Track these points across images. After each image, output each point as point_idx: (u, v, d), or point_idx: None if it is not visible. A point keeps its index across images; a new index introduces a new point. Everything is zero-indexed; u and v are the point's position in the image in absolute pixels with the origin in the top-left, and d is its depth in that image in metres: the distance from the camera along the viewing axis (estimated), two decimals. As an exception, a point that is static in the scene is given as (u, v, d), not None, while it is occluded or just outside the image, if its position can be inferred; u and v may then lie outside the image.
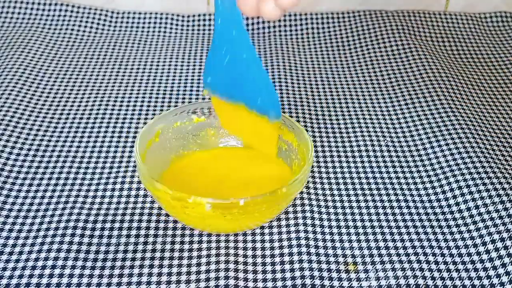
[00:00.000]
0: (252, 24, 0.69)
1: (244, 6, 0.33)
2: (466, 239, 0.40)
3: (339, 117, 0.53)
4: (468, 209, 0.42)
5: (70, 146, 0.49)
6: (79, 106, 0.54)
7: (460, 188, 0.43)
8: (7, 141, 0.48)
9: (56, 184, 0.44)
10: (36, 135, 0.50)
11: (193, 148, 0.46)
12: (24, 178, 0.45)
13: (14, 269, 0.37)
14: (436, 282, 0.36)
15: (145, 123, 0.49)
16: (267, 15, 0.32)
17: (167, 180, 0.42)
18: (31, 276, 0.36)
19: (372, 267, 0.38)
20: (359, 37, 0.67)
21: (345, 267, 0.38)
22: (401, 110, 0.54)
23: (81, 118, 0.52)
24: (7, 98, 0.53)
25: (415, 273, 0.37)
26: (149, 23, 0.69)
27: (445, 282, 0.36)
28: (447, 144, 0.48)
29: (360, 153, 0.49)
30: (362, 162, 0.48)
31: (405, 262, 0.38)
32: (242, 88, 0.40)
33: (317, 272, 0.37)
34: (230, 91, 0.41)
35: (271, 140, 0.42)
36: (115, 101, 0.55)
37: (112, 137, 0.50)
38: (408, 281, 0.36)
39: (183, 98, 0.56)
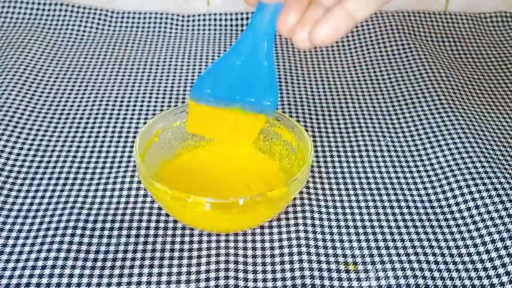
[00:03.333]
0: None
1: (282, 23, 0.33)
2: (466, 239, 0.40)
3: (339, 117, 0.53)
4: (468, 209, 0.42)
5: (70, 146, 0.49)
6: (79, 106, 0.54)
7: (460, 188, 0.43)
8: (7, 141, 0.48)
9: (56, 184, 0.44)
10: (36, 135, 0.50)
11: (192, 148, 0.46)
12: (24, 178, 0.45)
13: (14, 269, 0.37)
14: (436, 282, 0.36)
15: (145, 123, 0.49)
16: (297, 44, 0.32)
17: (167, 179, 0.42)
18: (31, 276, 0.36)
19: (372, 267, 0.38)
20: (359, 37, 0.67)
21: (345, 267, 0.38)
22: (401, 110, 0.54)
23: (81, 118, 0.52)
24: (7, 98, 0.53)
25: (415, 273, 0.37)
26: (149, 23, 0.69)
27: (445, 282, 0.36)
28: (447, 144, 0.48)
29: (360, 153, 0.49)
30: (362, 162, 0.48)
31: (405, 262, 0.38)
32: (242, 89, 0.40)
33: (317, 272, 0.37)
34: (227, 98, 0.40)
35: (251, 132, 0.42)
36: (115, 101, 0.55)
37: (112, 137, 0.50)
38: (408, 281, 0.36)
39: (183, 98, 0.56)
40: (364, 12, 0.31)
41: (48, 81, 0.58)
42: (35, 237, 0.39)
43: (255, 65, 0.37)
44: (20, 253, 0.38)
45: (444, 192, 0.44)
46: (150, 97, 0.56)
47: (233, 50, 0.38)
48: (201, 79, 0.40)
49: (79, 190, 0.44)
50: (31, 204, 0.42)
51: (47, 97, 0.55)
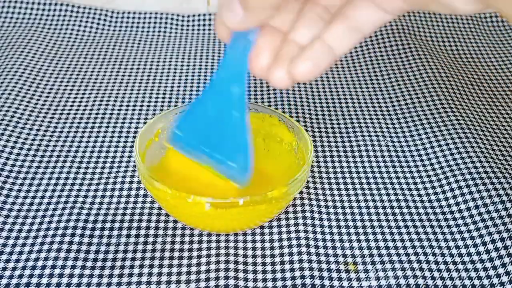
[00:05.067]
0: (252, 24, 0.69)
1: (255, 64, 0.30)
2: (466, 239, 0.40)
3: (339, 117, 0.53)
4: (468, 209, 0.42)
5: (70, 146, 0.49)
6: (79, 106, 0.54)
7: (460, 188, 0.43)
8: (7, 141, 0.48)
9: (56, 184, 0.44)
10: (36, 135, 0.50)
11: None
12: (24, 178, 0.45)
13: (14, 269, 0.37)
14: (436, 282, 0.36)
15: (145, 123, 0.49)
16: (275, 83, 0.30)
17: (167, 179, 0.42)
18: (31, 276, 0.36)
19: (372, 267, 0.38)
20: (359, 37, 0.67)
21: (345, 267, 0.38)
22: (401, 110, 0.54)
23: (81, 118, 0.52)
24: (7, 98, 0.53)
25: (415, 273, 0.37)
26: (149, 23, 0.69)
27: (445, 282, 0.36)
28: (447, 144, 0.48)
29: (360, 153, 0.49)
30: (362, 162, 0.48)
31: (405, 262, 0.38)
32: (215, 148, 0.36)
33: (317, 272, 0.37)
34: (199, 150, 0.37)
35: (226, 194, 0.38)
36: (115, 101, 0.55)
37: (112, 137, 0.50)
38: (408, 281, 0.36)
39: (183, 98, 0.56)
40: (344, 46, 0.29)
41: (48, 81, 0.58)
42: (35, 237, 0.39)
43: (225, 114, 0.34)
44: (20, 253, 0.38)
45: (444, 192, 0.44)
46: (150, 97, 0.56)
47: (205, 92, 0.35)
48: (176, 125, 0.37)
49: (79, 190, 0.44)
50: (31, 204, 0.42)
51: (47, 97, 0.55)
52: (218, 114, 0.34)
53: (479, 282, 0.37)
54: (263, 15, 0.28)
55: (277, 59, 0.30)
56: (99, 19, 0.69)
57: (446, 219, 0.42)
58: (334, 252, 0.39)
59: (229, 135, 0.35)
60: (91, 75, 0.59)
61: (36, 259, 0.37)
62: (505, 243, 0.38)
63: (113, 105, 0.54)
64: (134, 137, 0.50)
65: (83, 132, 0.51)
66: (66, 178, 0.45)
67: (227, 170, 0.36)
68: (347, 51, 0.30)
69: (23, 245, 0.39)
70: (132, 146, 0.49)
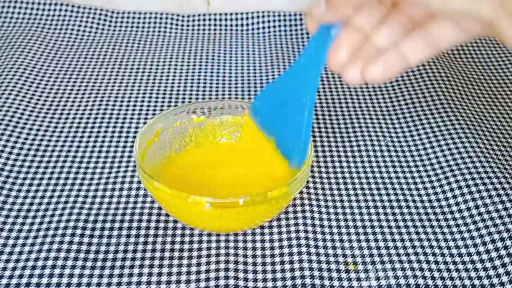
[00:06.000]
0: (252, 24, 0.69)
1: (333, 58, 0.32)
2: (466, 239, 0.40)
3: (339, 117, 0.53)
4: (468, 209, 0.42)
5: (70, 146, 0.49)
6: (79, 106, 0.54)
7: (460, 188, 0.43)
8: (7, 141, 0.48)
9: (56, 184, 0.44)
10: (36, 135, 0.50)
11: (192, 148, 0.46)
12: (24, 178, 0.45)
13: (14, 269, 0.37)
14: (436, 282, 0.36)
15: (145, 123, 0.49)
16: (347, 79, 0.31)
17: (167, 179, 0.42)
18: (31, 276, 0.36)
19: (372, 267, 0.38)
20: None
21: (345, 267, 0.38)
22: (401, 110, 0.54)
23: (81, 118, 0.52)
24: (7, 98, 0.53)
25: (415, 273, 0.37)
26: (149, 23, 0.69)
27: (445, 282, 0.36)
28: (447, 144, 0.48)
29: (360, 153, 0.49)
30: (362, 162, 0.48)
31: (405, 262, 0.38)
32: (281, 127, 0.39)
33: (317, 272, 0.37)
34: (269, 124, 0.40)
35: (274, 179, 0.41)
36: (115, 101, 0.55)
37: (112, 137, 0.50)
38: (408, 281, 0.36)
39: (183, 98, 0.56)
40: (418, 58, 0.30)
41: (48, 81, 0.58)
42: (35, 237, 0.39)
43: (296, 99, 0.36)
44: (20, 253, 0.38)
45: (444, 192, 0.44)
46: (150, 97, 0.56)
47: (286, 74, 0.37)
48: (257, 97, 0.41)
49: (79, 190, 0.44)
50: (31, 204, 0.42)
51: (47, 97, 0.55)
52: (290, 97, 0.36)
53: (479, 282, 0.37)
54: (344, 12, 0.30)
55: (354, 57, 0.31)
56: (99, 19, 0.69)
57: (446, 219, 0.42)
58: (334, 252, 0.39)
59: (295, 119, 0.37)
60: (91, 75, 0.59)
61: (36, 259, 0.37)
62: (505, 243, 0.38)
63: (113, 105, 0.54)
64: (134, 137, 0.50)
65: (83, 132, 0.50)
66: (66, 178, 0.45)
67: (286, 151, 0.39)
68: (420, 62, 0.31)
69: (23, 245, 0.39)
70: (132, 146, 0.49)
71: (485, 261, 0.38)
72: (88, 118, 0.52)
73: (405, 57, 0.30)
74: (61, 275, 0.36)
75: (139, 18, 0.69)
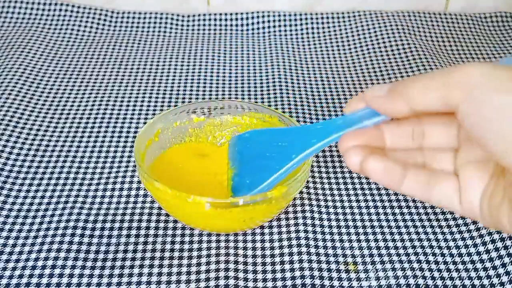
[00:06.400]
0: (252, 24, 0.69)
1: (346, 141, 0.30)
2: (466, 239, 0.40)
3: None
4: (468, 209, 0.42)
5: (70, 146, 0.49)
6: (79, 106, 0.54)
7: (460, 188, 0.43)
8: (7, 141, 0.48)
9: (56, 184, 0.44)
10: (36, 135, 0.50)
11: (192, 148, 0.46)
12: (24, 178, 0.45)
13: (14, 269, 0.37)
14: (436, 282, 0.36)
15: (145, 123, 0.49)
16: (347, 159, 0.29)
17: (167, 179, 0.42)
18: (31, 276, 0.36)
19: (372, 267, 0.38)
20: (359, 37, 0.67)
21: (345, 267, 0.38)
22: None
23: (81, 118, 0.52)
24: (7, 98, 0.53)
25: (415, 273, 0.37)
26: (149, 23, 0.69)
27: (445, 282, 0.36)
28: (447, 144, 0.48)
29: (360, 153, 0.48)
30: (362, 162, 0.47)
31: (405, 262, 0.38)
32: (252, 164, 0.37)
33: (317, 272, 0.37)
34: (241, 157, 0.38)
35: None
36: (115, 101, 0.55)
37: (112, 137, 0.50)
38: (408, 281, 0.36)
39: (183, 98, 0.56)
40: (412, 192, 0.29)
41: (48, 81, 0.58)
42: (35, 237, 0.39)
43: (285, 152, 0.34)
44: (20, 253, 0.38)
45: (444, 192, 0.44)
46: (150, 97, 0.56)
47: (292, 130, 0.35)
48: (252, 132, 0.39)
49: (79, 190, 0.44)
50: (31, 204, 0.42)
51: (47, 97, 0.55)
52: (280, 149, 0.35)
53: (479, 282, 0.37)
54: (399, 108, 0.27)
55: (365, 148, 0.30)
56: (99, 19, 0.69)
57: (446, 219, 0.42)
58: (334, 252, 0.39)
59: (268, 167, 0.35)
60: (91, 75, 0.59)
61: (36, 259, 0.37)
62: (505, 243, 0.38)
63: (113, 105, 0.54)
64: (134, 137, 0.50)
65: (83, 132, 0.50)
66: (66, 178, 0.45)
67: (238, 185, 0.37)
68: (408, 195, 0.30)
69: (23, 245, 0.39)
70: (132, 146, 0.49)
71: (485, 261, 0.38)
72: (88, 118, 0.52)
73: (402, 179, 0.29)
74: (61, 275, 0.36)
75: (139, 18, 0.69)
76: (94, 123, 0.52)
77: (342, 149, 0.30)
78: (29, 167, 0.46)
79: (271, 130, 0.38)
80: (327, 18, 0.70)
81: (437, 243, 0.40)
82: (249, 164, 0.37)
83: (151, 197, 0.43)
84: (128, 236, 0.40)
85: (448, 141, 0.30)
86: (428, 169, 0.29)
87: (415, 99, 0.26)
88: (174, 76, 0.60)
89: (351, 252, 0.39)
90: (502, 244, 0.38)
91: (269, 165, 0.35)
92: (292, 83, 0.58)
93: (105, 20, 0.69)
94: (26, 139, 0.49)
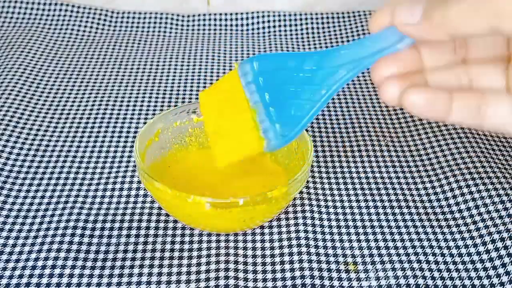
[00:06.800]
0: (252, 24, 0.69)
1: (380, 70, 0.27)
2: (466, 239, 0.40)
3: (339, 117, 0.53)
4: (468, 209, 0.42)
5: (70, 146, 0.49)
6: (79, 106, 0.54)
7: (460, 188, 0.43)
8: (7, 141, 0.48)
9: (56, 184, 0.44)
10: (36, 135, 0.50)
11: (192, 148, 0.46)
12: (24, 178, 0.45)
13: (14, 269, 0.37)
14: (436, 282, 0.36)
15: (145, 123, 0.49)
16: (382, 94, 0.27)
17: (167, 179, 0.42)
18: (31, 276, 0.36)
19: (372, 267, 0.38)
20: (359, 37, 0.67)
21: (345, 267, 0.38)
22: (401, 110, 0.54)
23: (81, 118, 0.52)
24: (7, 98, 0.53)
25: (415, 273, 0.37)
26: (149, 23, 0.69)
27: (445, 282, 0.36)
28: (447, 144, 0.48)
29: (360, 153, 0.49)
30: (362, 162, 0.48)
31: (405, 262, 0.38)
32: (276, 104, 0.33)
33: (317, 272, 0.37)
34: (260, 91, 0.34)
35: (235, 152, 0.35)
36: (115, 101, 0.55)
37: (112, 137, 0.50)
38: (408, 281, 0.36)
39: (183, 98, 0.56)
40: (458, 118, 0.26)
41: (48, 81, 0.58)
42: (35, 237, 0.39)
43: (313, 84, 0.31)
44: (20, 253, 0.38)
45: (444, 192, 0.44)
46: (150, 97, 0.56)
47: (316, 54, 0.31)
48: (262, 56, 0.34)
49: (79, 190, 0.44)
50: (31, 204, 0.42)
51: (47, 97, 0.55)
52: (305, 81, 0.31)
53: (479, 282, 0.37)
54: (436, 36, 0.24)
55: (402, 78, 0.27)
56: (99, 19, 0.69)
57: (446, 219, 0.42)
58: (334, 252, 0.39)
59: (297, 105, 0.32)
60: (91, 75, 0.59)
61: (36, 259, 0.37)
62: (505, 243, 0.38)
63: (113, 105, 0.54)
64: (134, 137, 0.50)
65: (83, 132, 0.50)
66: (66, 178, 0.45)
67: (267, 127, 0.33)
68: (455, 124, 0.26)
69: (23, 245, 0.39)
70: (132, 146, 0.49)
71: (485, 261, 0.38)
72: (88, 118, 0.52)
73: (449, 109, 0.26)
74: (61, 275, 0.36)
75: (139, 18, 0.69)
76: (94, 123, 0.52)
77: (376, 80, 0.26)
78: (29, 167, 0.46)
79: (289, 55, 0.33)
80: (327, 18, 0.70)
81: (437, 243, 0.40)
82: (274, 102, 0.33)
83: (151, 197, 0.43)
84: (128, 236, 0.40)
85: (496, 49, 0.26)
86: (476, 90, 0.25)
87: (459, 30, 0.23)
88: (174, 76, 0.60)
89: (351, 252, 0.39)
90: (502, 244, 0.38)
91: (298, 103, 0.31)
92: (292, 83, 0.58)
93: (105, 20, 0.69)
94: (26, 139, 0.49)
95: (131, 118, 0.53)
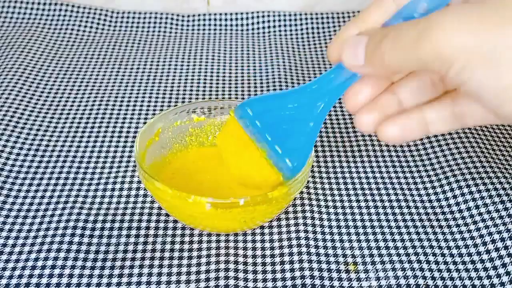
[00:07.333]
0: (252, 24, 0.69)
1: (350, 98, 0.29)
2: (466, 239, 0.40)
3: (339, 117, 0.53)
4: (468, 209, 0.42)
5: (70, 146, 0.49)
6: (79, 106, 0.54)
7: (460, 188, 0.43)
8: (7, 141, 0.48)
9: (56, 184, 0.44)
10: (36, 135, 0.50)
11: (192, 147, 0.46)
12: (24, 178, 0.45)
13: (14, 269, 0.37)
14: (436, 282, 0.36)
15: (145, 123, 0.49)
16: (359, 125, 0.28)
17: (167, 179, 0.42)
18: (31, 276, 0.36)
19: (372, 267, 0.38)
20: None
21: (345, 267, 0.38)
22: (401, 110, 0.54)
23: (81, 118, 0.52)
24: (7, 98, 0.53)
25: (415, 273, 0.37)
26: (149, 23, 0.69)
27: (445, 282, 0.36)
28: (447, 144, 0.48)
29: (360, 153, 0.49)
30: (362, 162, 0.48)
31: (405, 262, 0.38)
32: (279, 141, 0.37)
33: (317, 272, 0.37)
34: (261, 134, 0.37)
35: (261, 184, 0.39)
36: (115, 101, 0.55)
37: (112, 137, 0.50)
38: (408, 281, 0.36)
39: (183, 98, 0.56)
40: (442, 127, 0.28)
41: (48, 81, 0.58)
42: (35, 237, 0.39)
43: (301, 119, 0.35)
44: (20, 253, 0.38)
45: (444, 192, 0.44)
46: (150, 97, 0.56)
47: (294, 92, 0.35)
48: (251, 100, 0.38)
49: (79, 190, 0.44)
50: (31, 204, 0.42)
51: (47, 97, 0.55)
52: (296, 116, 0.35)
53: (479, 282, 0.37)
54: (380, 73, 0.27)
55: (372, 103, 0.29)
56: (99, 19, 0.69)
57: (446, 219, 0.42)
58: (334, 252, 0.39)
59: (296, 139, 0.36)
60: (91, 75, 0.59)
61: (36, 259, 0.37)
62: (505, 243, 0.38)
63: (113, 105, 0.54)
64: (134, 137, 0.50)
65: (83, 132, 0.50)
66: (66, 178, 0.45)
67: (278, 163, 0.37)
68: (443, 132, 0.29)
69: (23, 245, 0.39)
70: (132, 146, 0.49)
71: (485, 261, 0.38)
72: (88, 118, 0.52)
73: (426, 124, 0.27)
74: (61, 275, 0.36)
75: (139, 18, 0.69)
76: (94, 123, 0.52)
77: (349, 109, 0.29)
78: (29, 167, 0.46)
79: (274, 96, 0.37)
80: (327, 18, 0.70)
81: (437, 243, 0.40)
82: (276, 140, 0.37)
83: (151, 197, 0.43)
84: (128, 236, 0.40)
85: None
86: (448, 96, 0.27)
87: (395, 69, 0.25)
88: (174, 76, 0.60)
89: (351, 252, 0.39)
90: (502, 244, 0.38)
91: (294, 137, 0.36)
92: (292, 83, 0.58)
93: (105, 20, 0.69)
94: (26, 139, 0.49)
95: (131, 118, 0.53)
